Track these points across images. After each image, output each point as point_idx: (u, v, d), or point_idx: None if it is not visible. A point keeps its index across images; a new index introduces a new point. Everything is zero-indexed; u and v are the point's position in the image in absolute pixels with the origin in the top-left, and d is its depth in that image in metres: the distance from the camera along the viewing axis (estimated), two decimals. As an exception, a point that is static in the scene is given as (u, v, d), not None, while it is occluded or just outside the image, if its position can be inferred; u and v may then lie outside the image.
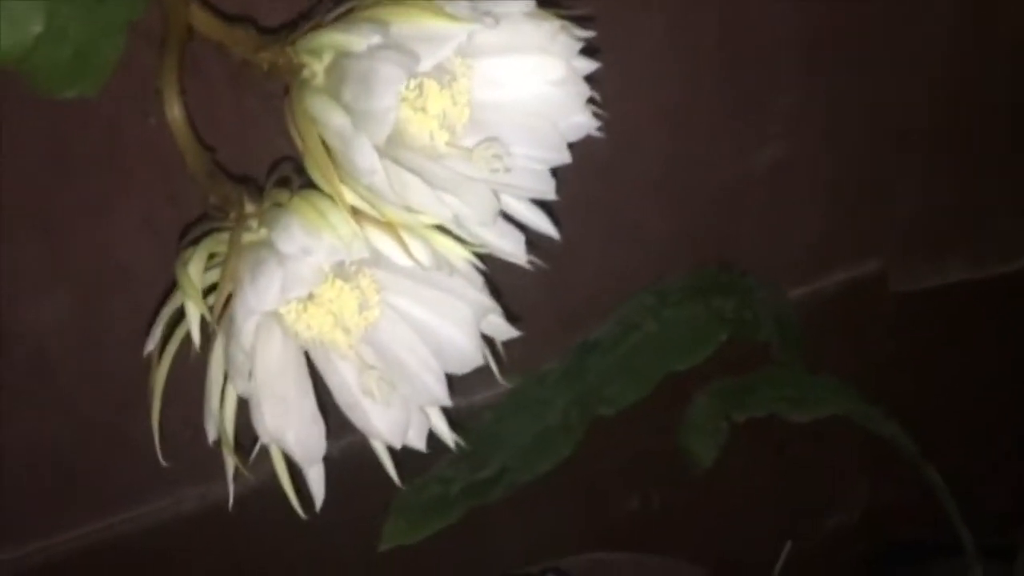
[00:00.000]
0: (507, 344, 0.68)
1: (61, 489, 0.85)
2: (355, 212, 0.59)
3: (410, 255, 0.59)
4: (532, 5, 0.61)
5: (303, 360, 0.64)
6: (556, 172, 0.66)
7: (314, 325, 0.62)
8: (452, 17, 0.57)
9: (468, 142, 0.63)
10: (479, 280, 0.64)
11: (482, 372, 0.64)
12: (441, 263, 0.61)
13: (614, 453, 1.00)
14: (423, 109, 0.62)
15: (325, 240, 0.58)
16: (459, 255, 0.63)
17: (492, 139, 0.62)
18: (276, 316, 0.62)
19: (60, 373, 0.80)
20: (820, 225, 1.02)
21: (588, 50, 0.64)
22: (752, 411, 0.94)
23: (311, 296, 0.62)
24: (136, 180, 0.76)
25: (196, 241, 0.64)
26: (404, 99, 0.61)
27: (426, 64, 0.57)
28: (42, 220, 0.75)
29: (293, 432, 0.62)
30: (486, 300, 0.64)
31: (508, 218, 0.65)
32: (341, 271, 0.62)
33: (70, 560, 0.86)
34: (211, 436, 0.63)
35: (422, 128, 0.62)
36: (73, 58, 0.65)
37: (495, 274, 0.66)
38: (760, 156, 0.96)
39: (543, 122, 0.65)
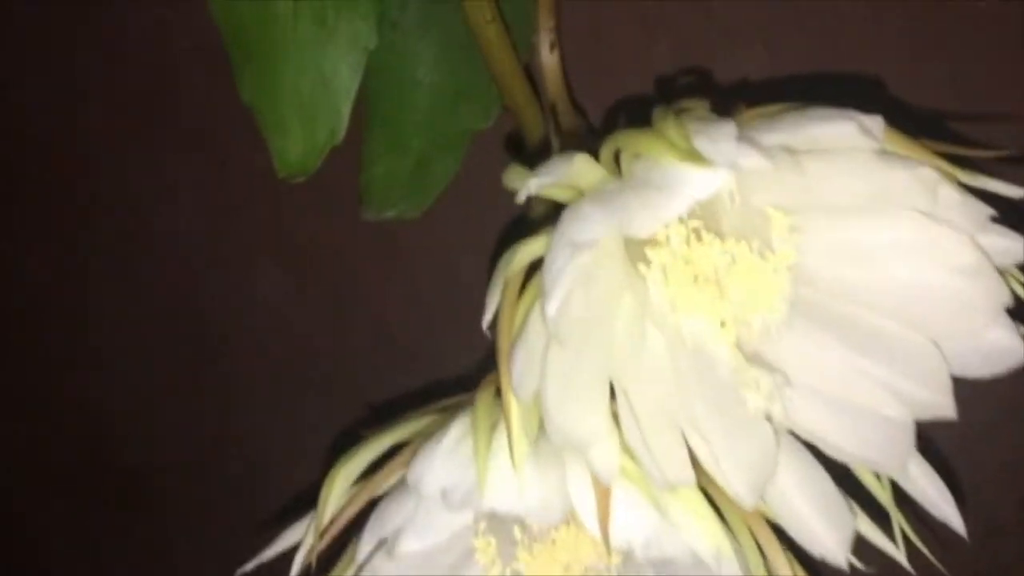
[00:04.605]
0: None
1: None
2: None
3: (602, 527, 0.37)
4: (879, 139, 0.34)
5: None
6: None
7: (525, 569, 0.43)
8: (692, 156, 0.34)
9: (778, 347, 0.38)
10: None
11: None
12: (671, 549, 0.37)
13: None
14: (718, 285, 0.39)
15: (464, 478, 0.38)
16: (710, 543, 0.38)
17: (774, 370, 0.37)
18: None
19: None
20: None
21: (1014, 217, 0.36)
22: None
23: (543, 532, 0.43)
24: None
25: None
26: (674, 270, 0.39)
27: (641, 231, 0.35)
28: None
29: None
30: None
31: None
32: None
33: None
34: None
35: (705, 322, 0.39)
36: (413, 170, 0.57)
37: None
38: None
39: (917, 336, 0.37)
